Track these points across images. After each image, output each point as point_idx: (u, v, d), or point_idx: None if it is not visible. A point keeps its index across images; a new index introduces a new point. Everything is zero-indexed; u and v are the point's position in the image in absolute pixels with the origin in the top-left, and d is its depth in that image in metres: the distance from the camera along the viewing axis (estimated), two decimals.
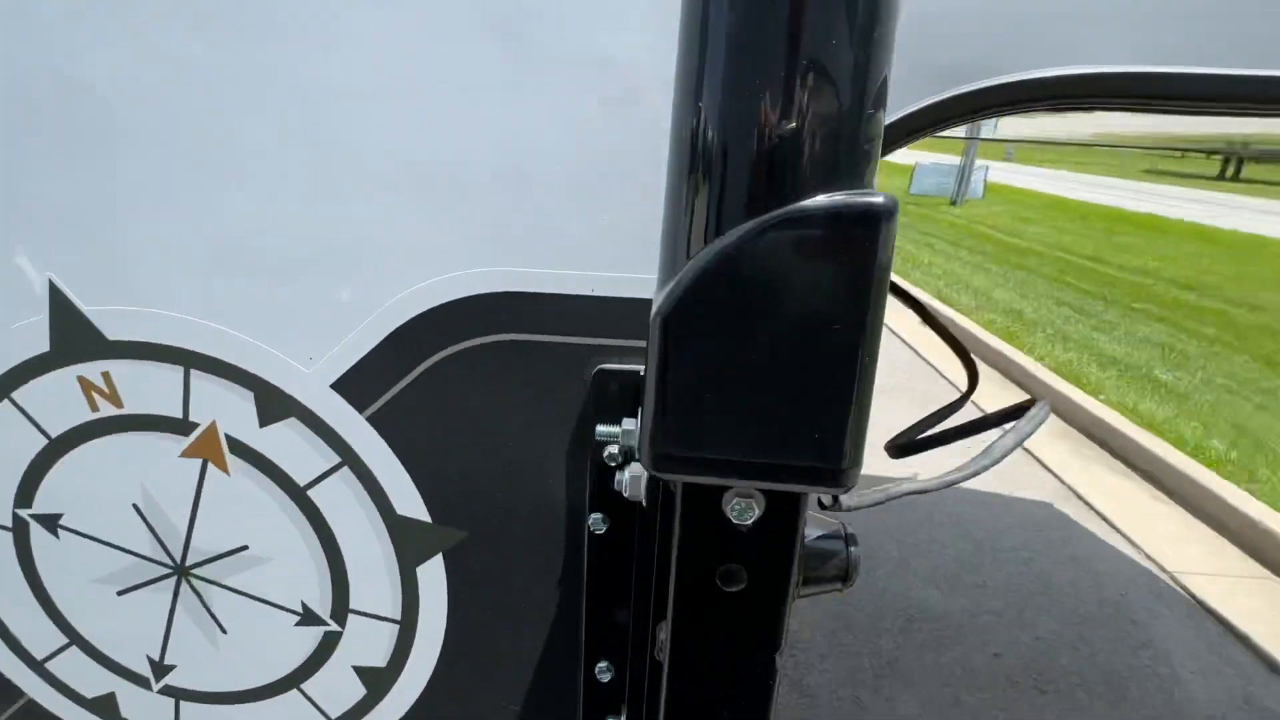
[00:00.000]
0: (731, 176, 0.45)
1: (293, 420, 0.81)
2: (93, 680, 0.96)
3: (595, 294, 0.74)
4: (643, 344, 0.76)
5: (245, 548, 0.88)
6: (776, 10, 0.43)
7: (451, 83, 0.70)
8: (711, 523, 0.54)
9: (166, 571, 0.90)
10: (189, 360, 0.80)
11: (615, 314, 0.75)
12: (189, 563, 0.89)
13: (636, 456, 0.68)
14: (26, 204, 0.76)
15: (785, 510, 0.52)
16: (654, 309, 0.48)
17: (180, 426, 0.83)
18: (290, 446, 0.83)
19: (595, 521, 0.81)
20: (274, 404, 0.81)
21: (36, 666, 0.96)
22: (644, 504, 0.58)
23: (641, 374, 0.75)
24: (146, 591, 0.90)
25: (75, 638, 0.94)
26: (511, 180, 0.72)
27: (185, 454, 0.84)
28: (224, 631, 0.92)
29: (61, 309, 0.79)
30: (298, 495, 0.85)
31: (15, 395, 0.83)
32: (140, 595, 0.91)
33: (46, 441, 0.84)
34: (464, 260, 0.75)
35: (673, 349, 0.47)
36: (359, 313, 0.77)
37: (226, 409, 0.82)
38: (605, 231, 0.73)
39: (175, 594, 0.91)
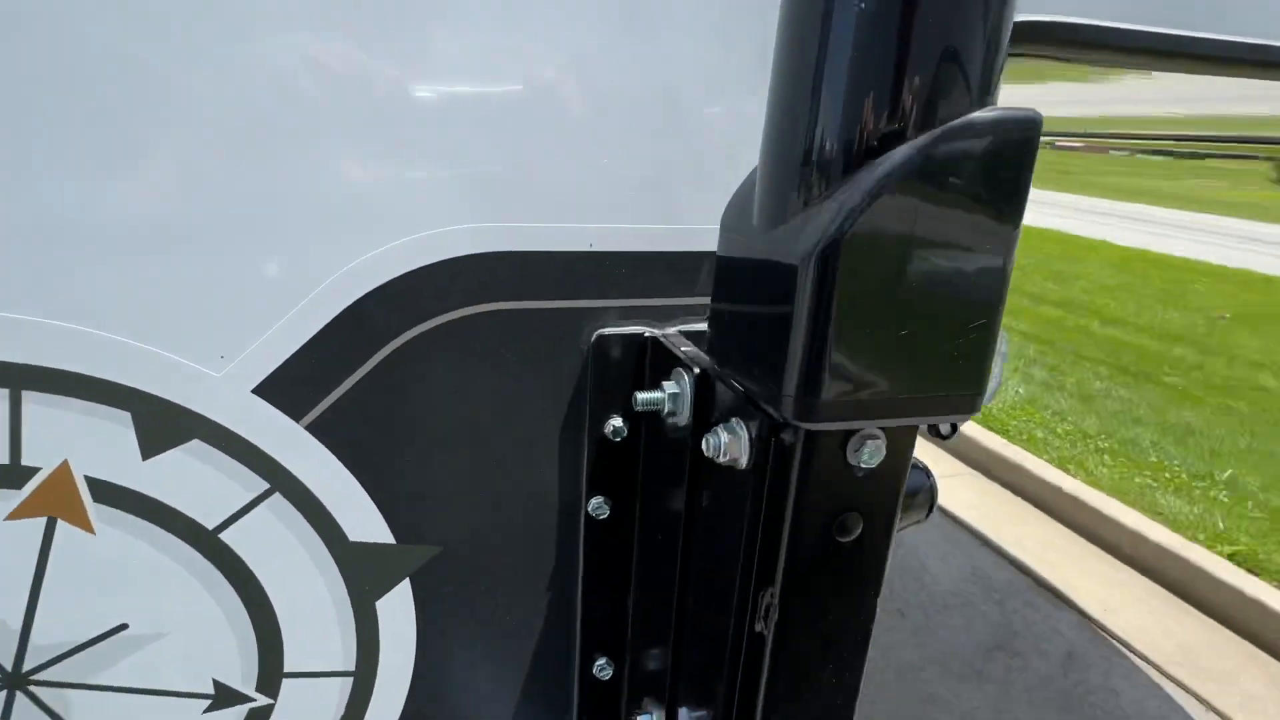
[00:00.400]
0: (886, 96, 0.42)
1: (195, 444, 0.61)
2: None
3: (594, 249, 0.66)
4: (648, 303, 0.69)
5: (123, 627, 0.64)
6: None
7: None
8: (834, 471, 0.50)
9: None
10: (18, 379, 0.55)
11: (617, 271, 0.67)
12: (28, 667, 0.63)
13: (680, 422, 0.62)
14: None
15: (901, 448, 0.51)
16: (799, 247, 0.43)
17: (6, 477, 0.57)
18: (193, 479, 0.62)
19: (596, 505, 0.73)
20: (165, 425, 0.59)
21: None
22: (742, 467, 0.52)
23: (645, 335, 0.68)
24: None
25: None
26: (493, 116, 0.60)
27: (16, 515, 0.59)
28: None
29: None
30: (205, 542, 0.64)
31: None
32: None
33: None
34: (434, 217, 0.61)
35: (829, 286, 0.43)
36: (294, 291, 0.59)
37: (86, 442, 0.58)
38: (604, 176, 0.64)
39: (5, 713, 0.64)
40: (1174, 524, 4.98)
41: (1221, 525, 5.01)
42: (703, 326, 0.70)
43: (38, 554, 0.60)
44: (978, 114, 0.42)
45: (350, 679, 0.73)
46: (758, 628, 0.55)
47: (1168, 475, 5.78)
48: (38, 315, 0.55)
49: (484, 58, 0.59)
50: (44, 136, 0.52)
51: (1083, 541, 4.78)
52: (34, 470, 0.58)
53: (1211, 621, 4.25)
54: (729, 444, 0.52)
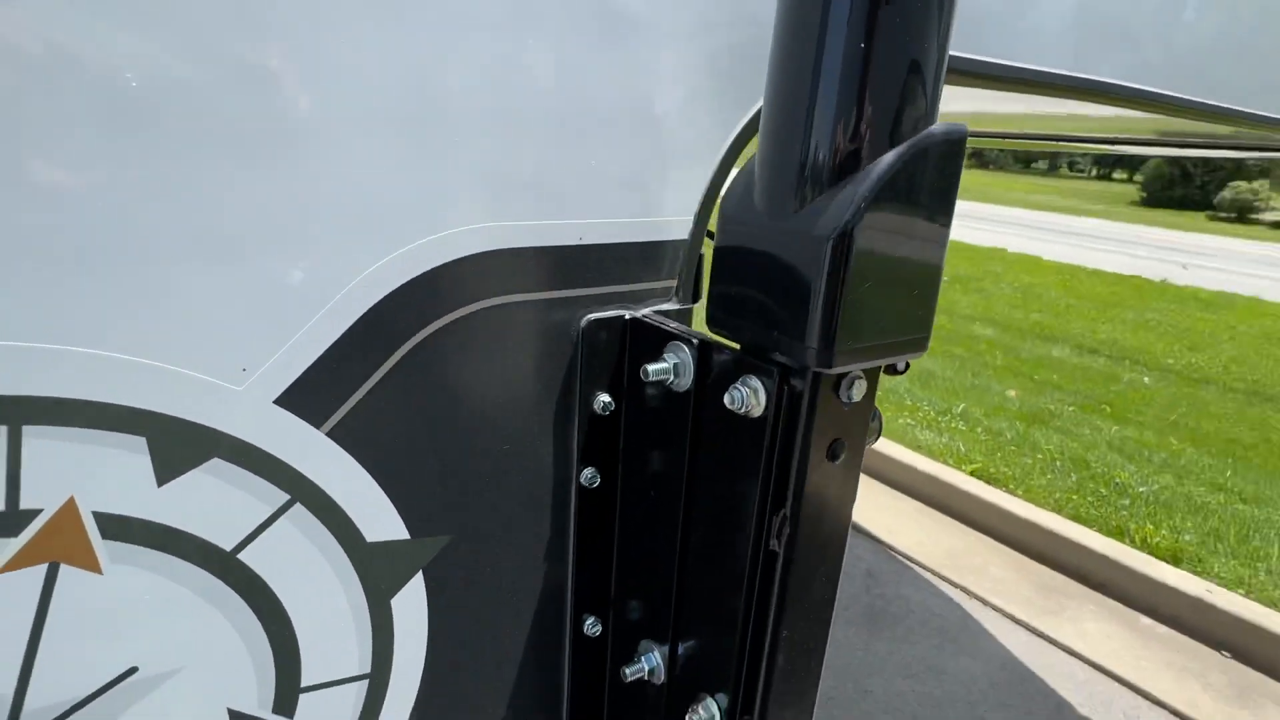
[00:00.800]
0: (874, 117, 0.55)
1: (214, 462, 0.58)
2: None
3: (583, 243, 0.72)
4: (623, 289, 0.77)
5: (132, 671, 0.60)
6: (900, 11, 0.54)
7: (418, 6, 0.59)
8: (831, 408, 0.63)
9: None
10: (20, 413, 0.50)
11: (600, 262, 0.74)
12: None
13: (680, 388, 0.71)
14: None
15: (873, 384, 0.66)
16: (819, 231, 0.55)
17: (8, 525, 0.51)
18: (211, 500, 0.59)
19: (588, 476, 0.80)
20: (183, 447, 0.57)
21: None
22: (756, 415, 0.63)
23: (627, 318, 0.77)
24: None
25: None
26: (492, 123, 0.65)
27: (10, 566, 0.52)
28: None
29: None
30: (222, 564, 0.61)
31: None
32: None
33: None
34: (446, 220, 0.64)
35: (846, 260, 0.55)
36: (317, 297, 0.59)
37: (94, 474, 0.54)
38: (591, 177, 0.71)
39: None
40: (930, 453, 6.00)
41: (963, 449, 6.14)
42: (670, 306, 0.80)
43: (36, 606, 0.54)
44: (933, 128, 0.56)
45: (365, 682, 0.73)
46: (772, 545, 0.67)
47: (920, 414, 6.92)
48: (38, 340, 0.50)
49: (484, 70, 0.63)
50: (36, 136, 0.48)
51: (868, 479, 5.59)
52: (34, 513, 0.52)
53: (965, 527, 5.22)
54: (748, 396, 0.63)
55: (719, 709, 0.74)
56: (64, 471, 0.53)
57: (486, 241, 0.67)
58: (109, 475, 0.54)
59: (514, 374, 0.73)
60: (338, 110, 0.57)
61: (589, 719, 0.89)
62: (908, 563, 4.86)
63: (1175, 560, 4.76)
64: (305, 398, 0.61)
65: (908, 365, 0.67)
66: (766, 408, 0.63)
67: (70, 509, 0.54)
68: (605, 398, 0.78)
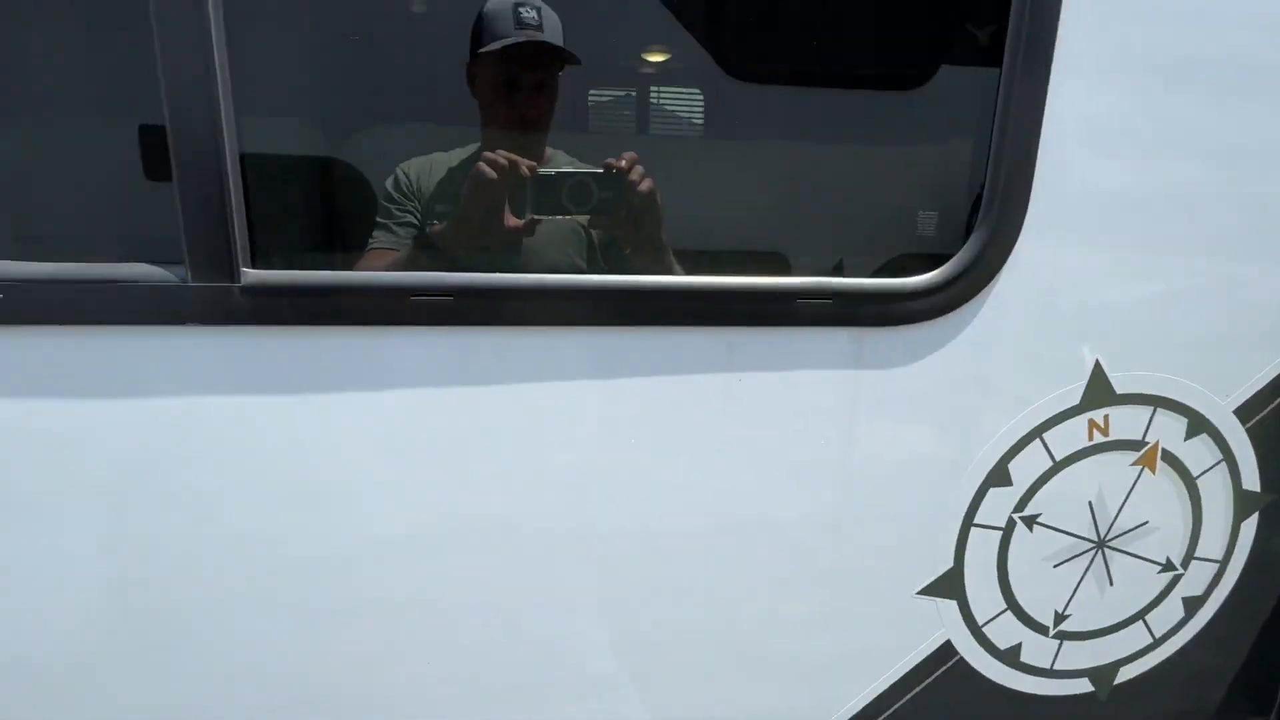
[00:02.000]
0: None
1: (1204, 435, 1.32)
2: (1009, 635, 1.38)
3: None
4: None
5: (1146, 523, 1.36)
6: None
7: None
8: None
9: (1090, 546, 1.35)
10: (1156, 402, 1.29)
11: None
12: (1108, 538, 1.35)
13: None
14: (1083, 311, 1.23)
15: None
16: None
17: (1136, 445, 1.31)
18: (1196, 452, 1.33)
19: None
20: (1197, 425, 1.31)
21: (976, 631, 1.36)
22: None
23: None
24: (1073, 562, 1.35)
25: (1012, 604, 1.36)
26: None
27: (1134, 464, 1.32)
28: (1111, 584, 1.38)
29: (1097, 378, 1.25)
30: (1190, 483, 1.34)
31: (1045, 435, 1.27)
32: (1067, 565, 1.35)
33: (1051, 464, 1.29)
34: None
35: None
36: (1261, 366, 1.30)
37: (1168, 432, 1.31)
38: None
39: (1090, 562, 1.36)
40: None
41: None
42: None
43: (1132, 482, 1.33)
44: None
45: (1216, 565, 1.40)
46: None
47: None
48: (1156, 372, 1.28)
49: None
50: None
51: None
52: (1146, 444, 1.31)
53: None
54: None
55: None
56: (1159, 428, 1.30)
57: None
58: (1171, 433, 1.31)
59: None
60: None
61: None
62: None
63: None
64: (1242, 411, 1.31)
65: None
66: None
67: (1156, 445, 1.31)
68: None
